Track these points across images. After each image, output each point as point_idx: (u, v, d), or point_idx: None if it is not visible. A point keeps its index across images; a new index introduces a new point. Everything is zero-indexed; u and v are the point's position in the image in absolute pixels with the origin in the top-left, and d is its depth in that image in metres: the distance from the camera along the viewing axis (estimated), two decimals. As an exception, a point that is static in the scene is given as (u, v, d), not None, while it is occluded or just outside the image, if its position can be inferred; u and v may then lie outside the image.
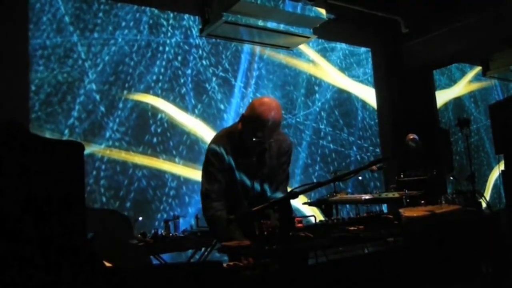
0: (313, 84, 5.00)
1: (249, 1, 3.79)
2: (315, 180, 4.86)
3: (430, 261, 2.20)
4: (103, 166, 3.59)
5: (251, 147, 2.39)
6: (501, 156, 4.85)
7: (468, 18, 5.05)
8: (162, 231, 3.21)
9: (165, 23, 4.06)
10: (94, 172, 3.54)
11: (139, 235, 3.02)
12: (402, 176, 3.59)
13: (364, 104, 5.47)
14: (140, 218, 3.48)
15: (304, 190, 2.25)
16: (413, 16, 5.16)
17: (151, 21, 3.98)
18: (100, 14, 3.74)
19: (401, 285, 2.03)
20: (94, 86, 3.63)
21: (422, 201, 2.77)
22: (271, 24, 4.15)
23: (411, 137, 2.44)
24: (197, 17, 4.21)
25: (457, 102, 6.83)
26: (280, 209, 1.98)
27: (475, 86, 7.18)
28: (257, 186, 2.47)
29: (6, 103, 3.11)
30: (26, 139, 1.26)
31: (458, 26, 5.16)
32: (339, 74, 5.22)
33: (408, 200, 2.86)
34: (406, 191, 2.95)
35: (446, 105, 6.59)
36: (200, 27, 4.15)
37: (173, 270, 1.47)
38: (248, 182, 2.45)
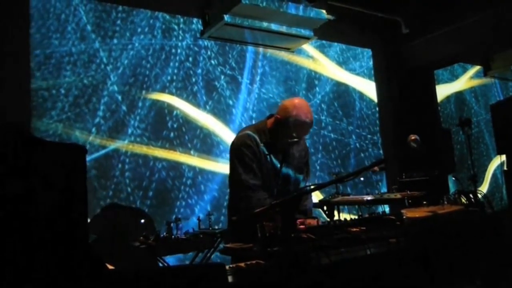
0: (313, 79, 5.37)
1: (249, 3, 3.83)
2: (318, 168, 5.24)
3: (432, 262, 2.20)
4: (127, 160, 3.97)
5: (283, 146, 2.50)
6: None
7: (469, 18, 5.06)
8: (165, 233, 3.24)
9: (176, 27, 4.42)
10: (120, 166, 3.92)
11: (141, 237, 3.05)
12: (403, 176, 3.48)
13: (361, 95, 5.83)
14: (142, 221, 3.60)
15: (305, 192, 2.45)
16: (414, 16, 5.23)
17: (163, 26, 4.34)
18: (118, 22, 4.10)
19: (403, 286, 2.03)
20: (116, 88, 4.00)
21: (424, 202, 2.77)
22: (272, 26, 4.20)
23: (413, 137, 2.51)
24: (205, 20, 4.53)
25: (459, 96, 7.19)
26: (283, 210, 1.98)
27: (476, 82, 7.50)
28: (285, 176, 2.59)
29: (8, 107, 3.33)
30: (28, 141, 1.27)
31: (459, 26, 5.18)
32: (337, 68, 5.58)
33: (410, 201, 2.84)
34: (408, 192, 2.94)
35: (448, 98, 6.95)
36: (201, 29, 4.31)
37: (175, 272, 1.47)
38: (272, 177, 2.52)
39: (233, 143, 2.62)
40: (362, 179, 5.08)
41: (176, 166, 4.21)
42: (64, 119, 3.72)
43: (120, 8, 4.11)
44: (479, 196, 3.05)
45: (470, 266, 2.47)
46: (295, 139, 2.48)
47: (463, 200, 2.90)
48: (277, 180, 2.55)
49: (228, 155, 2.62)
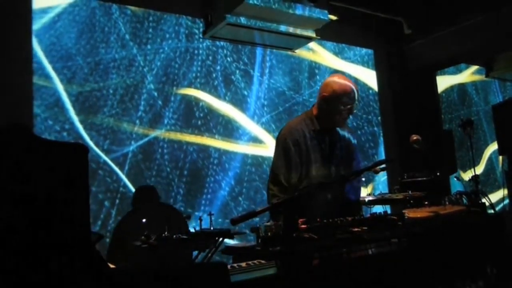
0: (313, 68, 6.17)
1: (252, 3, 3.81)
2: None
3: (434, 262, 2.18)
4: (165, 145, 4.80)
5: (334, 124, 2.55)
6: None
7: (471, 19, 5.08)
8: (166, 232, 3.17)
9: (197, 31, 5.20)
10: (160, 150, 4.76)
11: (143, 237, 2.97)
12: (405, 177, 3.48)
13: (356, 80, 6.63)
14: (144, 220, 3.52)
15: (308, 192, 2.48)
16: (416, 17, 5.25)
17: (186, 31, 5.12)
18: (150, 30, 4.87)
19: (405, 286, 2.04)
20: (152, 86, 4.80)
21: (426, 202, 2.77)
22: (274, 26, 4.28)
23: (415, 138, 2.46)
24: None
25: (461, 86, 7.92)
26: (285, 210, 1.99)
27: (477, 78, 8.18)
28: (332, 169, 2.62)
29: (11, 108, 3.59)
30: (30, 141, 1.29)
31: (461, 27, 5.19)
32: (333, 57, 6.38)
33: (412, 201, 2.83)
34: (410, 192, 2.93)
35: (452, 87, 7.67)
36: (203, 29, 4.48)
37: (177, 272, 1.47)
38: (322, 165, 2.59)
39: (279, 133, 2.77)
40: (363, 179, 5.59)
41: (204, 149, 5.05)
42: (113, 114, 4.53)
43: (150, 18, 4.89)
44: (481, 196, 3.07)
45: (472, 267, 2.46)
46: (349, 107, 2.52)
47: (464, 201, 2.95)
48: (331, 156, 2.59)
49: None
